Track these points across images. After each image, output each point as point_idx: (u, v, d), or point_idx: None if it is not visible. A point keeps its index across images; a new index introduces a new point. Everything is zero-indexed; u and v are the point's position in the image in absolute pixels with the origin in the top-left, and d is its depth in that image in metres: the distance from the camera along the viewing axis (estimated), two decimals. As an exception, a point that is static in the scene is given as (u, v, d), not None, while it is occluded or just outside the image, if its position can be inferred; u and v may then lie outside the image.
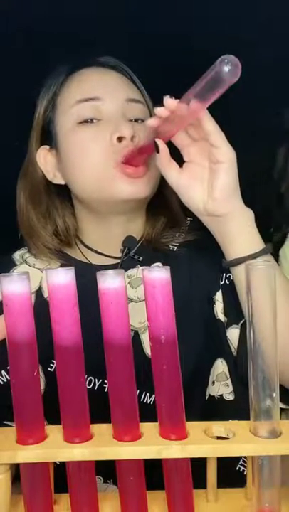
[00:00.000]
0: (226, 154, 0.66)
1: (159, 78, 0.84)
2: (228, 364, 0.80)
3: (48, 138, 0.84)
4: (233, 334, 0.80)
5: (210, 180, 0.68)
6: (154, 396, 0.75)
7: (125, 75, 0.84)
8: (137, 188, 0.76)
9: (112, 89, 0.80)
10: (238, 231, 0.69)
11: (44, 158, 0.84)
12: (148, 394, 0.75)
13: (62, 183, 0.83)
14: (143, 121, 0.80)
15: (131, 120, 0.79)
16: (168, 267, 0.46)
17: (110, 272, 0.45)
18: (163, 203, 0.86)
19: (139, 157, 0.74)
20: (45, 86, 0.85)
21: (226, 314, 0.80)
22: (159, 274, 0.45)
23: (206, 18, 1.14)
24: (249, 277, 0.46)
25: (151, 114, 0.84)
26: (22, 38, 1.11)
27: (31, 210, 0.85)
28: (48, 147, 0.84)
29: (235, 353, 0.80)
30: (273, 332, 0.46)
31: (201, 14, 1.14)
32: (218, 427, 0.49)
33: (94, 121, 0.78)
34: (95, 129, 0.78)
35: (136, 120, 0.80)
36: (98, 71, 0.83)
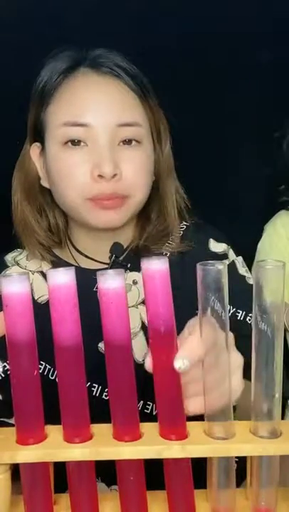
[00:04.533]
0: None
1: (159, 78, 0.83)
2: None
3: (40, 138, 0.83)
4: None
5: None
6: (142, 402, 0.76)
7: (122, 81, 0.79)
8: (110, 218, 0.77)
9: (101, 112, 0.76)
10: None
11: (37, 156, 0.84)
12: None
13: (48, 187, 0.83)
14: (137, 141, 0.78)
15: (121, 142, 0.77)
16: (166, 258, 0.46)
17: (110, 271, 0.45)
18: (157, 206, 0.85)
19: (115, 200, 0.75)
20: (38, 81, 0.81)
21: None
22: (158, 265, 0.45)
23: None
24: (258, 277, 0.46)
25: (154, 115, 0.83)
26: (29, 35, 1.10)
27: (26, 205, 0.85)
28: (40, 146, 0.83)
29: None
30: (280, 331, 0.46)
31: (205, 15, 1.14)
32: (218, 427, 0.49)
33: (81, 143, 0.77)
34: (79, 156, 0.76)
35: (129, 141, 0.78)
36: (91, 82, 0.79)
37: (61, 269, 0.45)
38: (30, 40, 1.14)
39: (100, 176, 0.75)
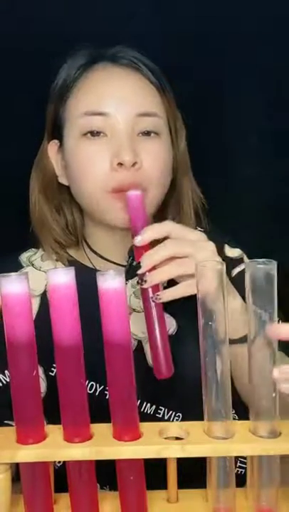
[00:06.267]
0: None
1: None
2: None
3: (59, 134, 0.82)
4: None
5: None
6: (154, 406, 0.75)
7: (142, 73, 0.79)
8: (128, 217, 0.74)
9: (121, 102, 0.76)
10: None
11: (55, 154, 0.84)
12: (148, 404, 0.75)
13: (67, 184, 0.83)
14: (156, 133, 0.77)
15: (140, 133, 0.77)
16: None
17: (110, 271, 0.45)
18: (174, 206, 0.84)
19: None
20: (58, 78, 0.81)
21: None
22: None
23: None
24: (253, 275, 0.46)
25: (172, 110, 0.82)
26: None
27: (44, 203, 0.84)
28: (58, 143, 0.83)
29: None
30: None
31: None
32: (217, 426, 0.49)
33: (100, 134, 0.76)
34: (98, 146, 0.76)
35: (148, 132, 0.77)
36: (111, 73, 0.79)
37: (61, 269, 0.45)
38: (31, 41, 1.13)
39: (119, 164, 0.74)
